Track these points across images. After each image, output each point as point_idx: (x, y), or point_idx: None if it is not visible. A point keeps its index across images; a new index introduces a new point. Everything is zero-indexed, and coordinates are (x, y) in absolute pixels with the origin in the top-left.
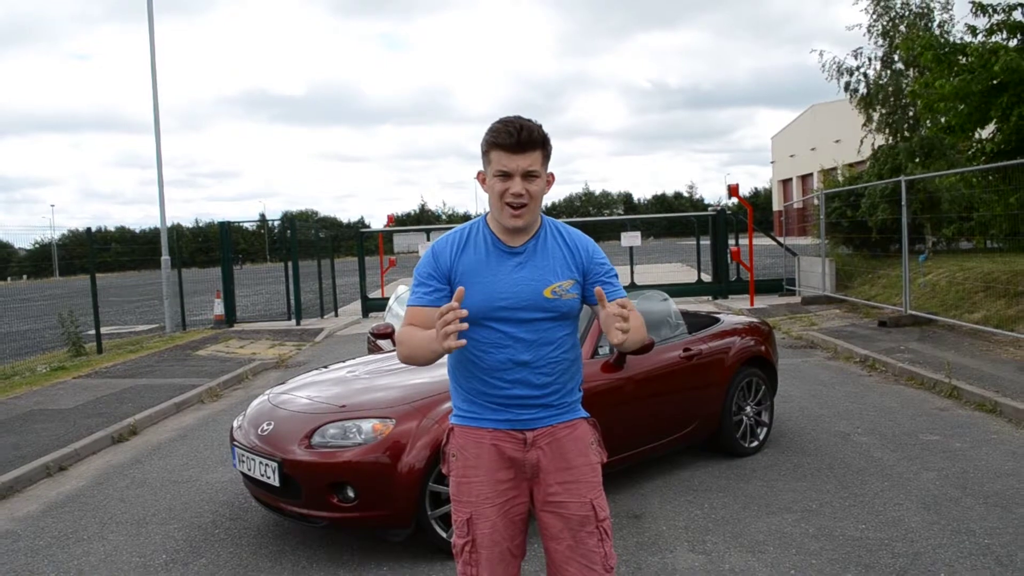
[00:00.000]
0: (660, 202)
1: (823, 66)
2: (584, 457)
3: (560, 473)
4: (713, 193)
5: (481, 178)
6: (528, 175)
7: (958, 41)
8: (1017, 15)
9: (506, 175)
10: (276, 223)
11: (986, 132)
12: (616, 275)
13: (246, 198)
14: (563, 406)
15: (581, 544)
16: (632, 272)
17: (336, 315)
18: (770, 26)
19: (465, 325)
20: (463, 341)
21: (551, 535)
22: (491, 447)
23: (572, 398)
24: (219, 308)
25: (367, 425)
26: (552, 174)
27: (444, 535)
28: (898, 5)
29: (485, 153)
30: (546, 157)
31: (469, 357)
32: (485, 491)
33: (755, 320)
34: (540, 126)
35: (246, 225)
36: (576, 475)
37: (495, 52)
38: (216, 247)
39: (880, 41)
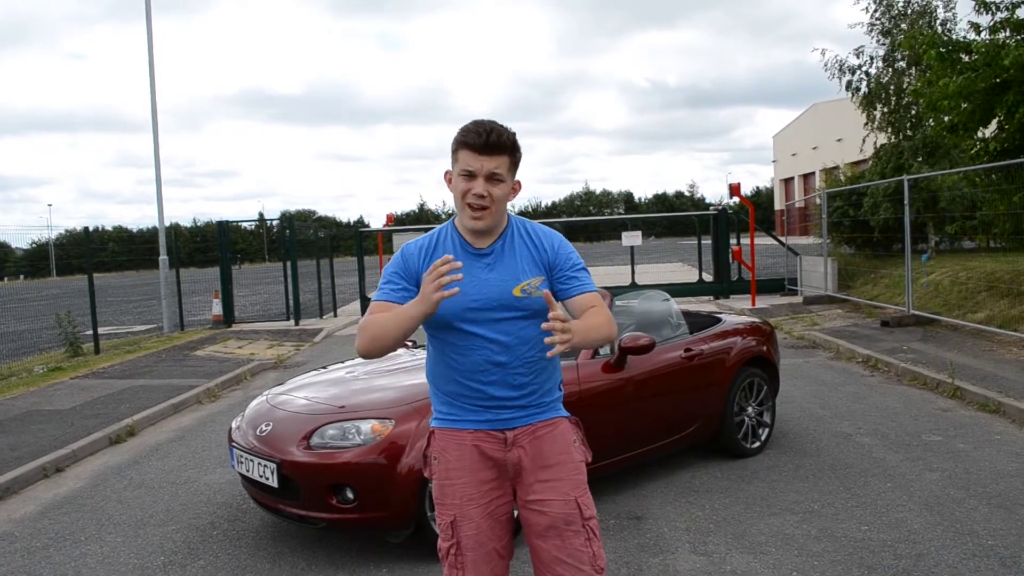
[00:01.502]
0: (661, 201)
1: (825, 64)
2: (566, 454)
3: (542, 471)
4: (714, 192)
5: (448, 178)
6: (492, 177)
7: (962, 39)
8: (1021, 12)
9: (470, 175)
10: (274, 223)
11: (989, 131)
12: (585, 268)
13: (244, 198)
14: (542, 406)
15: (568, 544)
16: (633, 272)
17: (335, 315)
18: (768, 25)
19: (460, 276)
20: (456, 289)
21: (536, 533)
22: (472, 448)
23: (551, 397)
24: (217, 308)
25: (366, 426)
26: (519, 182)
27: None
28: (899, 3)
29: (454, 152)
30: (514, 164)
31: (446, 360)
32: (468, 492)
33: (757, 320)
34: (513, 132)
35: (244, 225)
36: (558, 472)
37: (493, 51)
38: (214, 247)
39: (882, 39)
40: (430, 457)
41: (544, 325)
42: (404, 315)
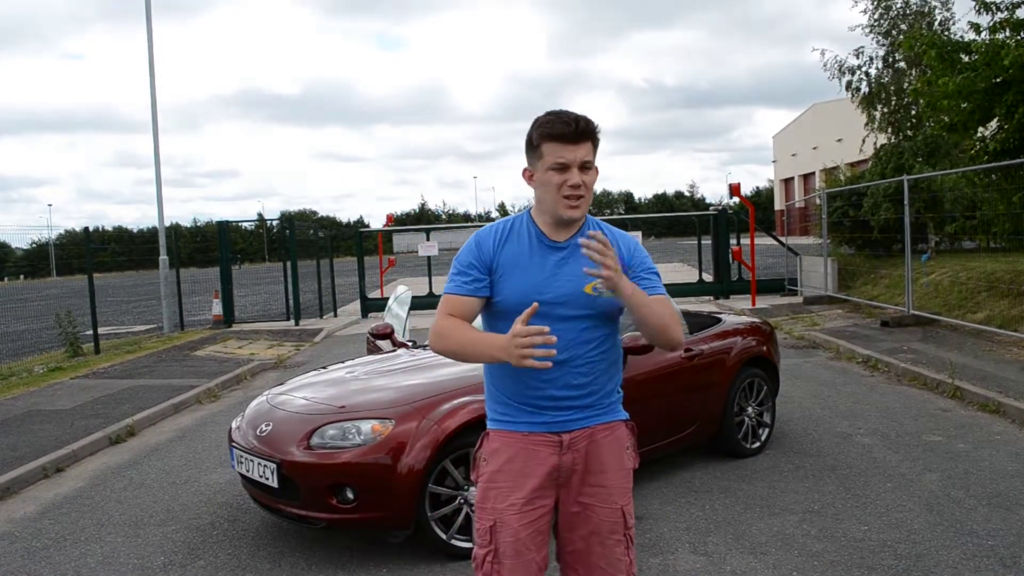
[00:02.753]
0: (661, 201)
1: (824, 65)
2: (619, 462)
3: (594, 476)
4: (714, 192)
5: (528, 175)
6: (584, 166)
7: (961, 39)
8: (1021, 12)
9: (564, 167)
10: (274, 223)
11: (989, 131)
12: (656, 273)
13: (244, 198)
14: (601, 407)
15: (608, 552)
16: None
17: (335, 315)
18: (766, 25)
19: (553, 352)
20: (548, 364)
21: (579, 537)
22: (525, 451)
23: (611, 399)
24: (217, 308)
25: (366, 426)
26: (597, 167)
27: (443, 536)
28: (898, 4)
29: (536, 147)
30: (595, 148)
31: None
32: (512, 498)
33: (757, 320)
34: (590, 118)
35: (244, 225)
36: (608, 479)
37: (491, 51)
38: (214, 247)
39: (881, 40)
40: (479, 459)
41: (584, 250)
42: (486, 349)
